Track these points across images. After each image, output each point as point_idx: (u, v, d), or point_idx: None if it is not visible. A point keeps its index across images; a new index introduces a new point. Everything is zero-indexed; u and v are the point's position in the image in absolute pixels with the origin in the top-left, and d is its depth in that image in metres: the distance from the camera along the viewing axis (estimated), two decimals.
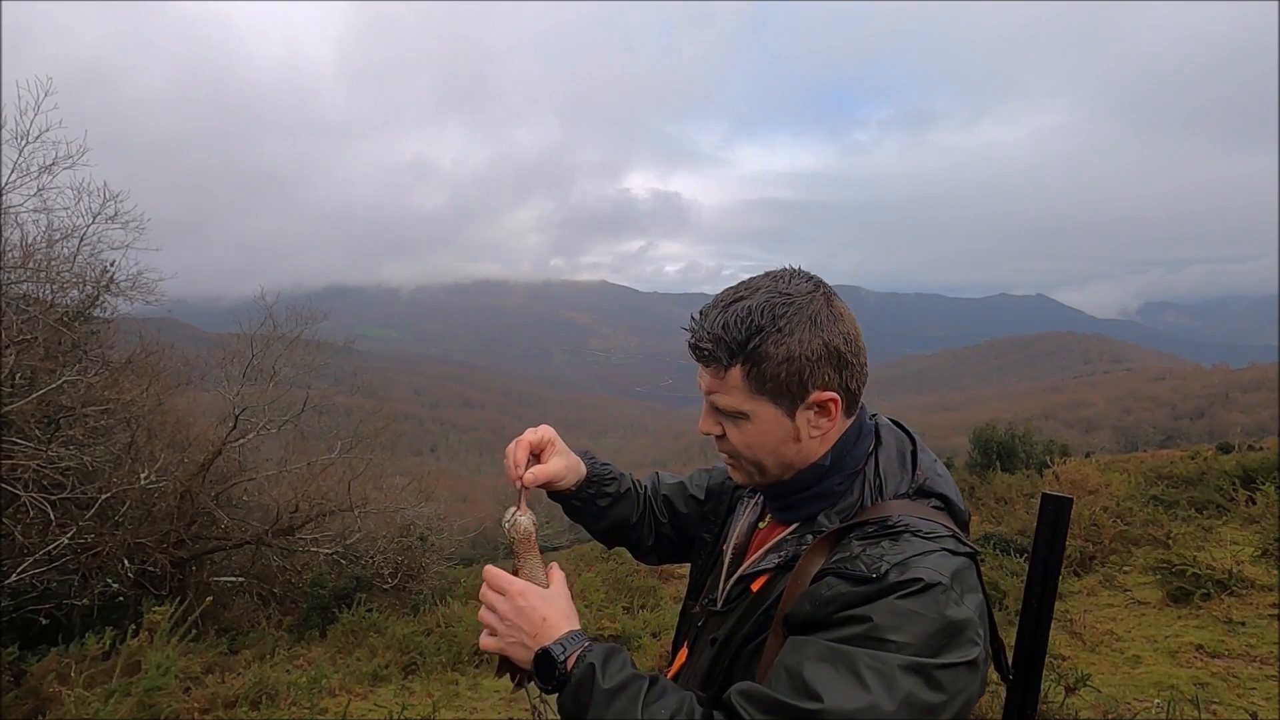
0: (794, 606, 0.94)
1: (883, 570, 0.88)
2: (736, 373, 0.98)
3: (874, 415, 1.11)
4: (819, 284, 1.01)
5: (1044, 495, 1.11)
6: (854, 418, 1.06)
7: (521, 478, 1.15)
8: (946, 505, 1.02)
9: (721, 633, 1.07)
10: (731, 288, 1.02)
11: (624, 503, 1.34)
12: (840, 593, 0.89)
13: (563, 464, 1.22)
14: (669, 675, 1.20)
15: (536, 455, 1.21)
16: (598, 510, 1.32)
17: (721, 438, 1.05)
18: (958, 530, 0.98)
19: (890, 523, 0.95)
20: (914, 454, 1.07)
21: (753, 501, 1.21)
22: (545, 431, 1.21)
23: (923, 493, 1.02)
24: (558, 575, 1.09)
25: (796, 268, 1.04)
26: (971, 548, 0.96)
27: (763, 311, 0.96)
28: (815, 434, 1.01)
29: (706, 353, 0.99)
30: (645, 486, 1.40)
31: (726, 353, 0.97)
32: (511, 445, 1.18)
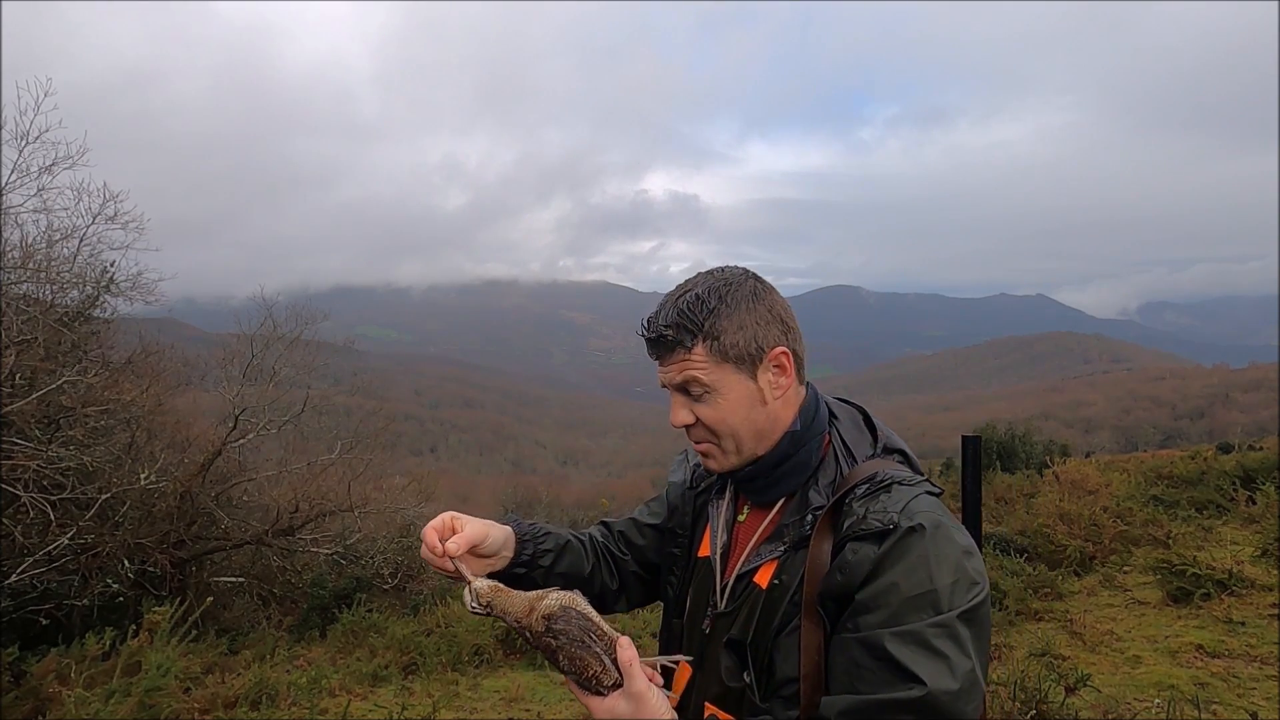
0: (824, 584, 0.98)
1: (895, 521, 0.96)
2: (700, 350, 1.06)
3: (822, 394, 1.19)
4: (746, 269, 1.13)
5: (963, 437, 1.39)
6: (806, 387, 1.15)
7: (446, 552, 1.10)
8: (906, 459, 1.13)
9: (736, 632, 1.07)
10: (672, 290, 1.12)
11: (569, 555, 1.30)
12: (867, 554, 0.95)
13: (480, 525, 1.17)
14: (675, 694, 1.18)
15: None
16: (545, 571, 1.26)
17: (694, 425, 1.10)
18: (924, 474, 1.10)
19: (878, 479, 1.04)
20: (867, 419, 1.18)
21: (722, 501, 1.22)
22: (442, 517, 1.16)
23: (886, 450, 1.13)
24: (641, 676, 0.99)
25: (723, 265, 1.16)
26: (939, 489, 1.07)
27: (709, 294, 1.07)
28: (777, 394, 1.09)
29: (670, 340, 1.07)
30: (589, 535, 1.39)
31: (688, 335, 1.06)
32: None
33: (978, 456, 1.38)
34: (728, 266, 1.14)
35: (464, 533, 1.13)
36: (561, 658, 0.96)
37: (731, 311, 1.06)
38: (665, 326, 1.07)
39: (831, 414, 1.16)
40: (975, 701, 0.89)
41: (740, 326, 1.05)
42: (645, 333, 1.10)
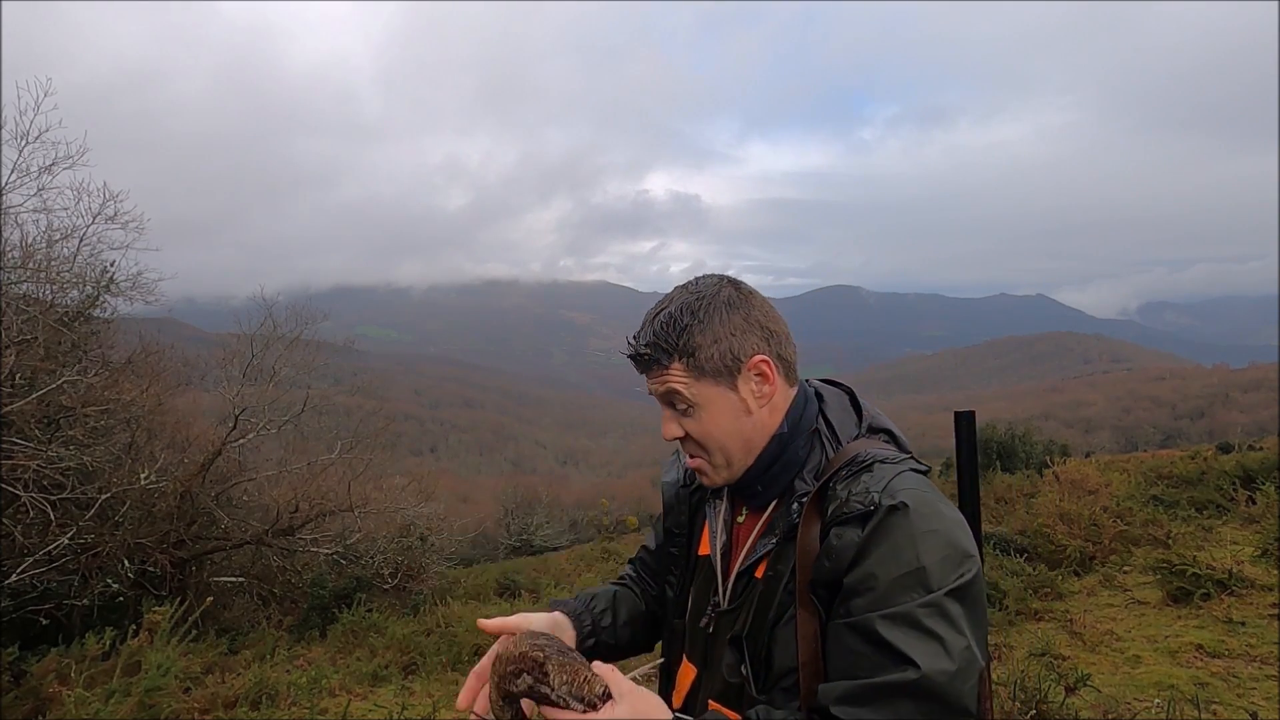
0: (815, 571, 0.98)
1: (876, 500, 0.96)
2: (678, 368, 1.07)
3: (808, 380, 1.19)
4: (724, 277, 1.13)
5: (956, 413, 1.38)
6: (796, 387, 1.14)
7: (481, 627, 1.07)
8: (893, 438, 1.13)
9: (739, 629, 1.07)
10: (652, 307, 1.13)
11: (624, 602, 1.33)
12: (851, 538, 0.95)
13: (513, 617, 1.12)
14: (679, 696, 1.17)
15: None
16: (613, 627, 1.28)
17: (686, 439, 1.11)
18: (911, 453, 1.11)
19: (860, 459, 1.04)
20: (854, 401, 1.18)
21: (720, 502, 1.22)
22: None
23: (872, 430, 1.13)
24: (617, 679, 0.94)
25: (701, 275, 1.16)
26: (925, 466, 1.07)
27: (683, 311, 1.07)
28: (762, 401, 1.09)
29: (647, 359, 1.09)
30: (624, 575, 1.42)
31: (664, 354, 1.07)
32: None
33: (972, 433, 1.38)
34: (705, 277, 1.13)
35: (502, 619, 1.10)
36: (551, 668, 0.91)
37: (705, 327, 1.05)
38: (644, 346, 1.09)
39: (820, 398, 1.16)
40: (973, 679, 0.89)
41: (715, 340, 1.05)
42: (628, 351, 1.12)
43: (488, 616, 1.08)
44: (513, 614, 1.10)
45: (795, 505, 1.05)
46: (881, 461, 1.02)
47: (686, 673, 1.18)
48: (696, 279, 1.14)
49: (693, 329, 1.05)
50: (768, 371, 1.08)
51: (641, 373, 1.12)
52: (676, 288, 1.13)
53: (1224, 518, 7.71)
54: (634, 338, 1.12)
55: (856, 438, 1.10)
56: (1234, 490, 8.02)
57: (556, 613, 1.21)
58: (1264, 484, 7.62)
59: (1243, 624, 4.65)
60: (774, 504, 1.11)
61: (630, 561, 1.45)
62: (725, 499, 1.21)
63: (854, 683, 0.90)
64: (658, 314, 1.09)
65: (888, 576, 0.91)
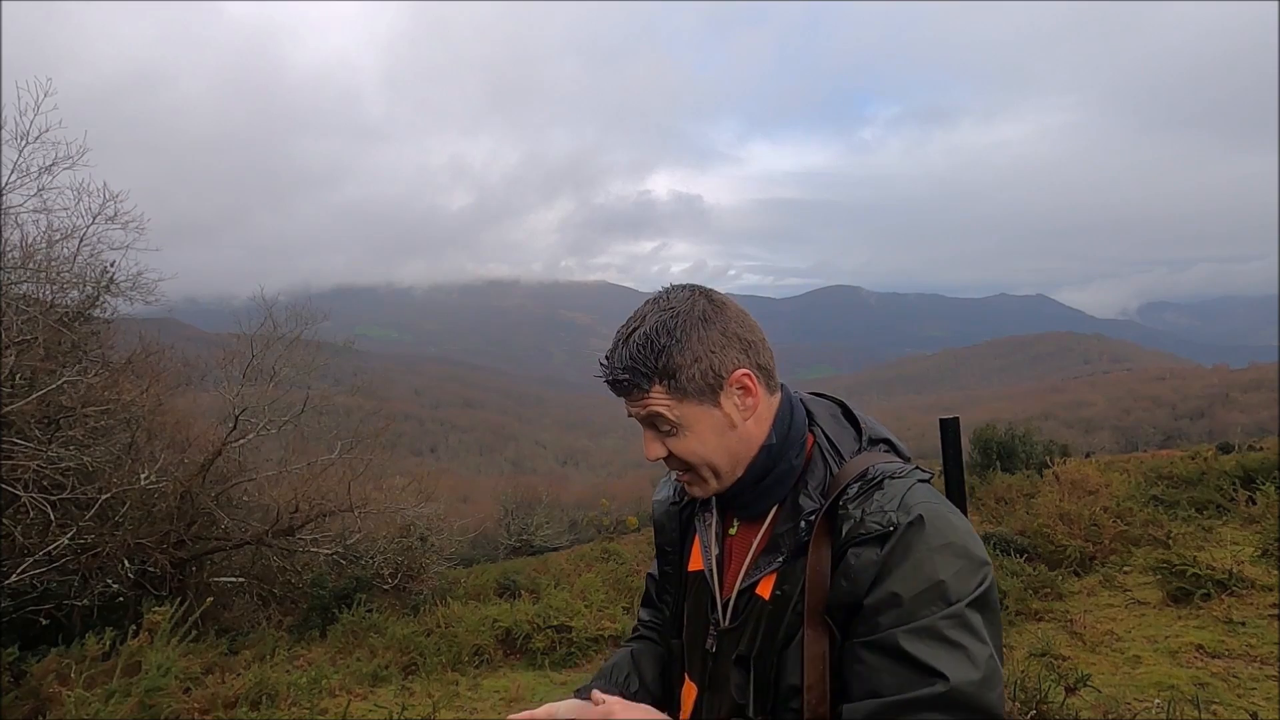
0: (832, 593, 0.96)
1: (895, 520, 0.95)
2: (659, 391, 1.03)
3: (796, 393, 1.16)
4: (695, 288, 1.09)
5: (941, 420, 1.43)
6: (780, 394, 1.11)
7: None
8: (892, 447, 1.11)
9: (744, 647, 1.04)
10: (623, 325, 1.08)
11: (644, 658, 1.30)
12: (870, 558, 0.94)
13: (540, 709, 1.08)
14: (684, 714, 1.16)
15: None
16: (644, 689, 1.25)
17: (670, 457, 1.08)
18: (915, 462, 1.09)
19: (868, 476, 1.01)
20: (845, 412, 1.16)
21: (710, 515, 1.19)
22: None
23: (872, 442, 1.11)
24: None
25: (671, 285, 1.12)
26: (929, 472, 1.05)
27: (658, 331, 1.03)
28: (746, 414, 1.06)
29: (625, 384, 1.05)
30: (639, 622, 1.39)
31: (643, 379, 1.03)
32: None
33: (957, 438, 1.42)
34: (676, 289, 1.09)
35: (525, 713, 1.06)
36: None
37: (683, 346, 1.01)
38: (621, 370, 1.04)
39: (810, 413, 1.12)
40: (998, 687, 0.89)
41: (695, 359, 1.01)
42: (603, 376, 1.07)
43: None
44: (541, 707, 1.04)
45: (804, 524, 1.02)
46: (891, 477, 1.00)
47: (689, 691, 1.17)
48: (667, 292, 1.09)
49: (671, 350, 1.01)
50: (750, 385, 1.04)
51: (620, 396, 1.07)
52: (647, 302, 1.09)
53: (1224, 518, 7.72)
54: (607, 359, 1.06)
55: (858, 451, 1.08)
56: (1234, 490, 8.02)
57: (579, 700, 1.16)
58: (1264, 484, 7.62)
59: (1243, 624, 4.66)
60: (771, 518, 1.08)
61: (643, 603, 1.41)
62: (715, 511, 1.18)
63: (879, 701, 0.88)
64: (631, 334, 1.04)
65: (908, 593, 0.91)
